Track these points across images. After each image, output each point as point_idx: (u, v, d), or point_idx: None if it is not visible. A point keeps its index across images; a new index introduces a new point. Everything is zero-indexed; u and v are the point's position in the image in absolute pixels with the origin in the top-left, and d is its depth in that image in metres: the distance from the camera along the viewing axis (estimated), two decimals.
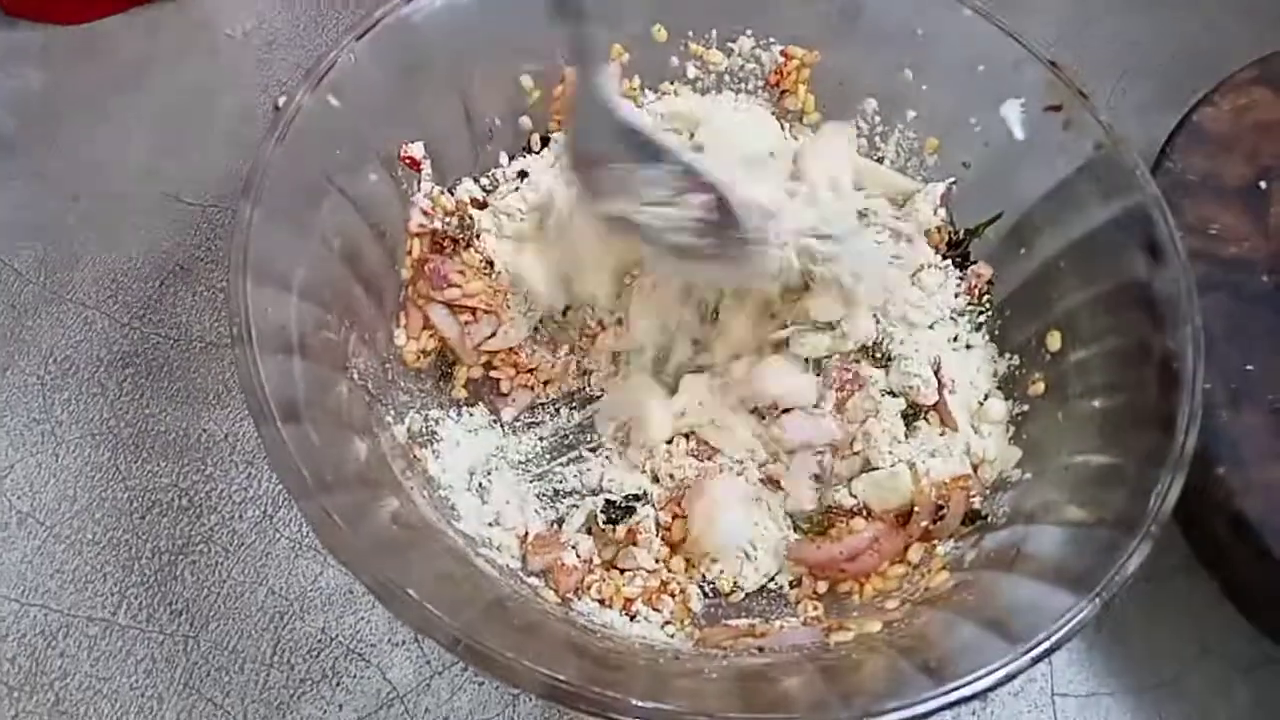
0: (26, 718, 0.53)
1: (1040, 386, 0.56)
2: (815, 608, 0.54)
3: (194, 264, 0.68)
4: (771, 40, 0.65)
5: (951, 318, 0.60)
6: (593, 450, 0.61)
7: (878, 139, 0.66)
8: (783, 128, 0.67)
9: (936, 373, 0.57)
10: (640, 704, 0.39)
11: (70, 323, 0.65)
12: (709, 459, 0.59)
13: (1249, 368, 0.57)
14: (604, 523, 0.56)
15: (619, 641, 0.49)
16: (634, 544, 0.55)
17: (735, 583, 0.56)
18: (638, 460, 0.59)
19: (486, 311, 0.59)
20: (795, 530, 0.57)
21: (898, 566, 0.55)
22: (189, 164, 0.72)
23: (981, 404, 0.58)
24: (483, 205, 0.63)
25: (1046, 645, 0.41)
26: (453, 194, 0.62)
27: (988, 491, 0.55)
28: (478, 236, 0.60)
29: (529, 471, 0.60)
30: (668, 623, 0.54)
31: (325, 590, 0.57)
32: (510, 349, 0.61)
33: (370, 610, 0.57)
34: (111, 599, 0.57)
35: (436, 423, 0.59)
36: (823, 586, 0.56)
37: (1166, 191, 0.54)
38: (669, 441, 0.59)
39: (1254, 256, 0.61)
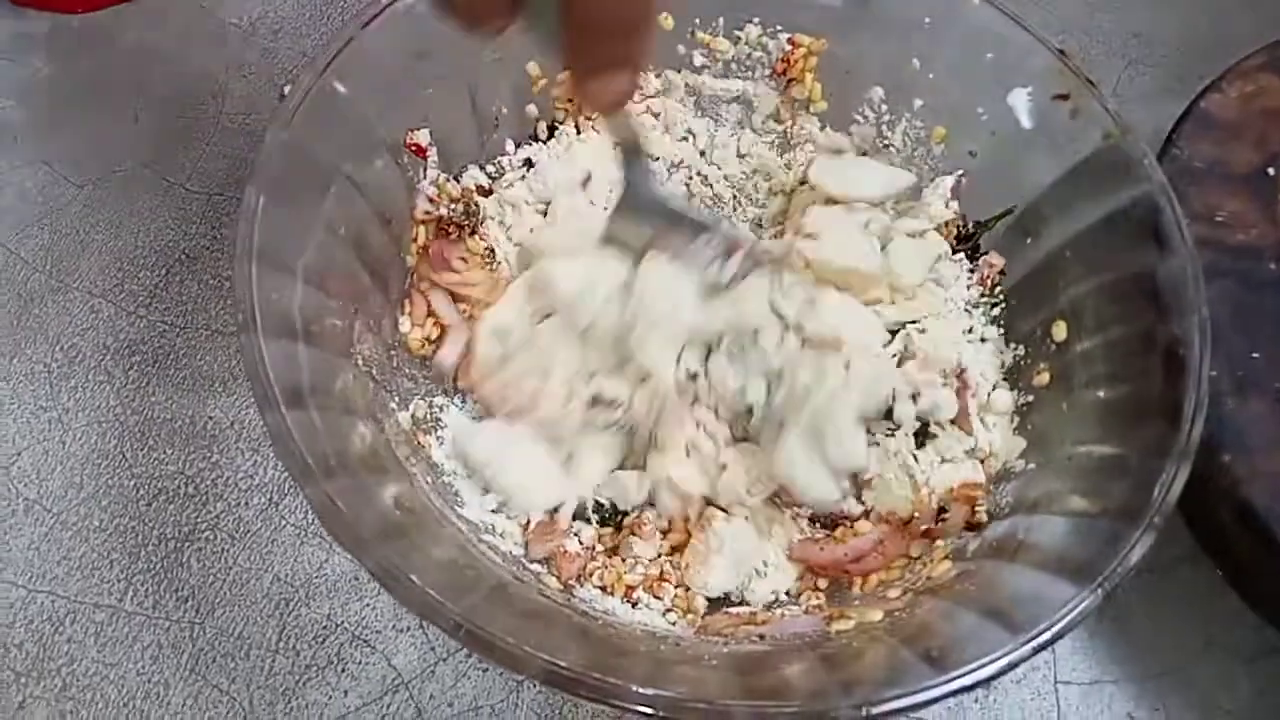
0: (34, 703, 0.54)
1: (1045, 377, 0.56)
2: (817, 597, 0.54)
3: (200, 252, 0.68)
4: (779, 28, 0.65)
5: (966, 310, 0.60)
6: None
7: (885, 128, 0.65)
8: (787, 118, 0.67)
9: (960, 375, 0.57)
10: (641, 690, 0.39)
11: (77, 311, 0.65)
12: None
13: (1255, 355, 0.57)
14: (599, 524, 0.56)
15: (620, 628, 0.49)
16: (635, 535, 0.55)
17: (743, 598, 0.55)
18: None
19: (488, 305, 0.59)
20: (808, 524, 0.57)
21: (899, 557, 0.54)
22: (195, 152, 0.72)
23: (989, 395, 0.58)
24: (488, 193, 0.63)
25: (1048, 635, 0.41)
26: (459, 181, 0.62)
27: (991, 487, 0.55)
28: (482, 223, 0.60)
29: None
30: (669, 610, 0.54)
31: (330, 577, 0.57)
32: None
33: (375, 596, 0.57)
34: (118, 586, 0.57)
35: (440, 409, 0.59)
36: (824, 582, 0.55)
37: (1173, 179, 0.54)
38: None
39: (1261, 244, 0.61)
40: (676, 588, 0.54)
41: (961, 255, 0.62)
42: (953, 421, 0.57)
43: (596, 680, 0.39)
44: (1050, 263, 0.58)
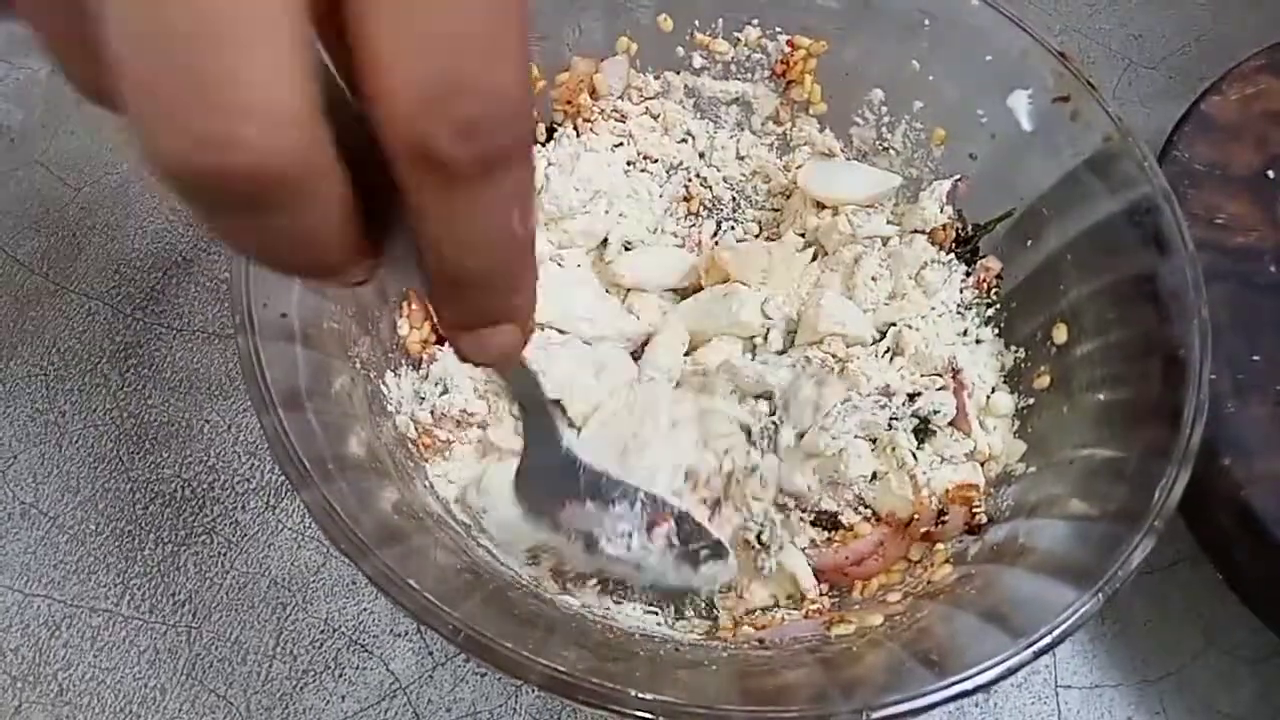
0: (30, 708, 0.53)
1: (1045, 380, 0.56)
2: (817, 601, 0.54)
3: (197, 255, 0.68)
4: (778, 30, 0.64)
5: (959, 312, 0.60)
6: None
7: (884, 130, 0.65)
8: (787, 117, 0.67)
9: (955, 375, 0.57)
10: (640, 695, 0.39)
11: (73, 314, 0.65)
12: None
13: (1256, 358, 0.57)
14: None
15: (619, 632, 0.49)
16: None
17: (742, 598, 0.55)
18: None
19: None
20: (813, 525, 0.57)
21: (899, 560, 0.54)
22: None
23: (988, 398, 0.58)
24: None
25: (1049, 639, 0.40)
26: None
27: (991, 490, 0.55)
28: None
29: None
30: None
31: (328, 581, 0.57)
32: None
33: (373, 601, 0.57)
34: (114, 590, 0.57)
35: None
36: (825, 585, 0.55)
37: (1173, 181, 0.54)
38: None
39: (1262, 246, 0.61)
40: None
41: (953, 258, 0.61)
42: (951, 423, 0.56)
43: (595, 685, 0.39)
44: (1050, 265, 0.57)
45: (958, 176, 0.62)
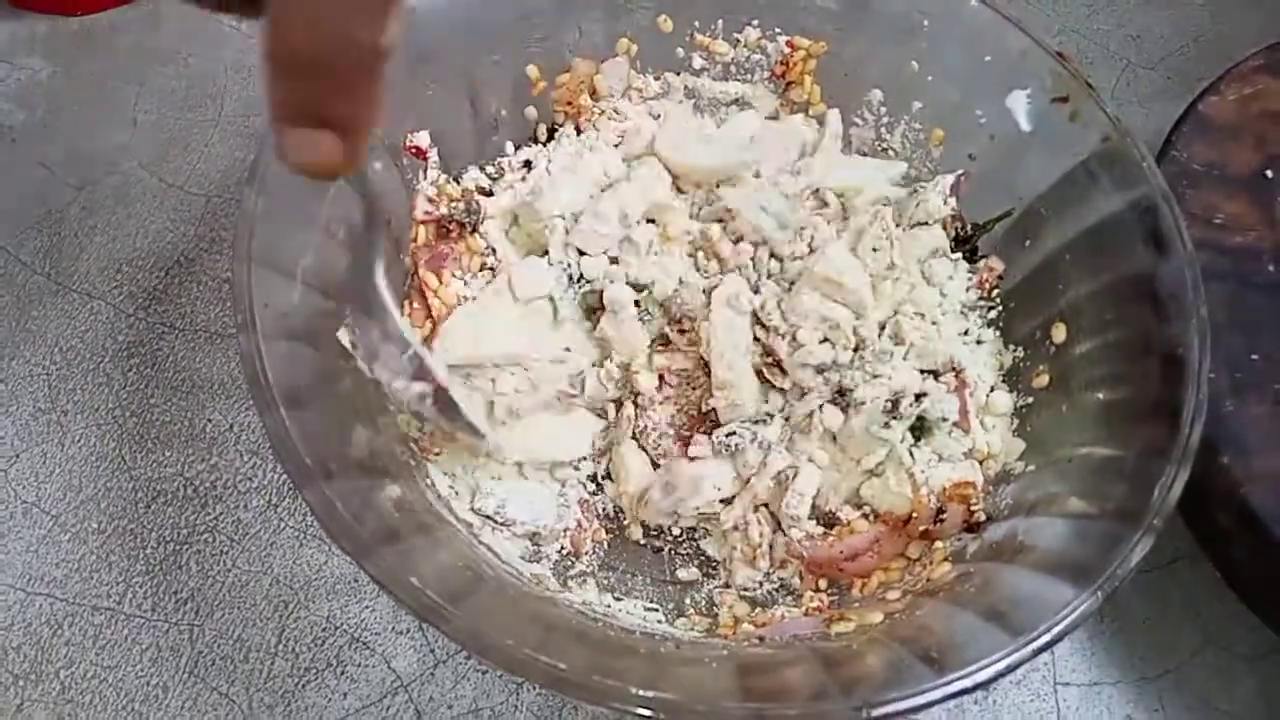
0: (32, 706, 0.53)
1: (1045, 379, 0.56)
2: (818, 598, 0.54)
3: (199, 254, 0.68)
4: (778, 31, 0.65)
5: (962, 312, 0.60)
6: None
7: (883, 130, 0.66)
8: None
9: (959, 374, 0.57)
10: (640, 693, 0.39)
11: (75, 313, 0.65)
12: None
13: (1254, 357, 0.57)
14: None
15: (619, 630, 0.49)
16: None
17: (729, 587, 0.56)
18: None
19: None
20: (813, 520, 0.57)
21: (898, 559, 0.54)
22: (194, 154, 0.72)
23: (987, 397, 0.58)
24: (489, 194, 0.63)
25: (1048, 637, 0.41)
26: (458, 183, 0.62)
27: (990, 489, 0.55)
28: (482, 222, 0.60)
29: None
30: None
31: (330, 579, 0.57)
32: None
33: (375, 599, 0.57)
34: (117, 588, 0.57)
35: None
36: (823, 582, 0.55)
37: (1172, 181, 0.54)
38: None
39: (1260, 245, 0.61)
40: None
41: (959, 257, 0.62)
42: (954, 422, 0.56)
43: (596, 683, 0.39)
44: (1049, 265, 0.58)
45: (960, 172, 0.62)
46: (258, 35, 0.29)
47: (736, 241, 0.60)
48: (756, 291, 0.57)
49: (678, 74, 0.67)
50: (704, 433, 0.57)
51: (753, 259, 0.59)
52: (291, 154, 0.32)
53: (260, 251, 0.47)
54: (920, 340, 0.57)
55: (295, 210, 0.50)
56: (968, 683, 0.40)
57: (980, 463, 0.56)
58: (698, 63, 0.66)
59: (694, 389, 0.58)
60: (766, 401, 0.57)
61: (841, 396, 0.55)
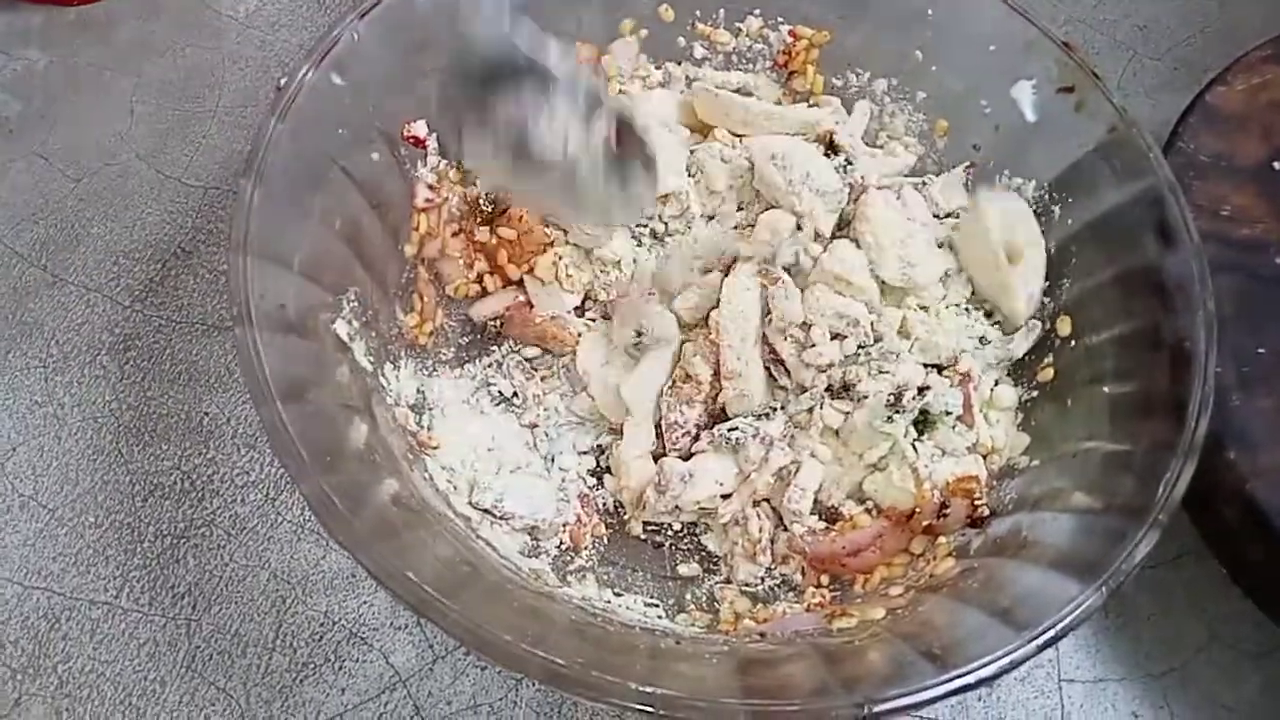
0: (29, 700, 0.53)
1: (1049, 373, 0.56)
2: (820, 594, 0.54)
3: (195, 246, 0.68)
4: (780, 20, 0.64)
5: (966, 309, 0.60)
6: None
7: (887, 120, 0.65)
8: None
9: (961, 372, 0.56)
10: (640, 688, 0.38)
11: (72, 305, 0.65)
12: None
13: (1261, 351, 0.57)
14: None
15: (619, 625, 0.49)
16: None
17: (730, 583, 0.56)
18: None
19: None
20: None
21: (901, 554, 0.54)
22: (190, 146, 0.72)
23: (991, 391, 0.57)
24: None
25: (1052, 633, 0.40)
26: (459, 168, 0.62)
27: (994, 484, 0.54)
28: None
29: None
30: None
31: (327, 574, 0.57)
32: None
33: (372, 594, 0.56)
34: (114, 582, 0.56)
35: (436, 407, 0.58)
36: (825, 577, 0.55)
37: (1178, 172, 0.53)
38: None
39: (1267, 238, 0.61)
40: None
41: None
42: (958, 416, 0.56)
43: (595, 678, 0.39)
44: (1054, 258, 0.57)
45: (968, 164, 0.62)
46: None
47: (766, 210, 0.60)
48: (775, 283, 0.57)
49: (679, 64, 0.66)
50: (707, 428, 0.56)
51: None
52: None
53: (257, 243, 0.46)
54: (924, 334, 0.57)
55: (292, 201, 0.50)
56: (971, 679, 0.39)
57: (984, 457, 0.55)
58: (699, 52, 0.66)
59: (716, 391, 0.58)
60: (772, 396, 0.57)
61: (845, 391, 0.55)
